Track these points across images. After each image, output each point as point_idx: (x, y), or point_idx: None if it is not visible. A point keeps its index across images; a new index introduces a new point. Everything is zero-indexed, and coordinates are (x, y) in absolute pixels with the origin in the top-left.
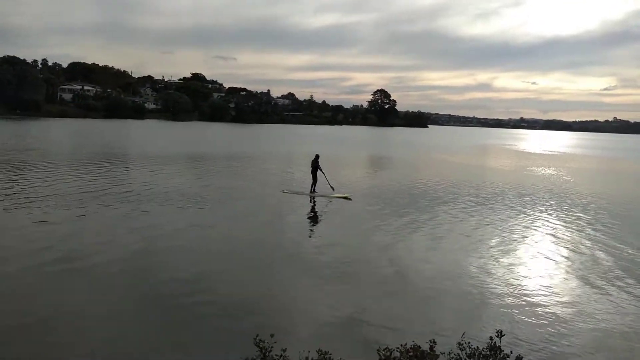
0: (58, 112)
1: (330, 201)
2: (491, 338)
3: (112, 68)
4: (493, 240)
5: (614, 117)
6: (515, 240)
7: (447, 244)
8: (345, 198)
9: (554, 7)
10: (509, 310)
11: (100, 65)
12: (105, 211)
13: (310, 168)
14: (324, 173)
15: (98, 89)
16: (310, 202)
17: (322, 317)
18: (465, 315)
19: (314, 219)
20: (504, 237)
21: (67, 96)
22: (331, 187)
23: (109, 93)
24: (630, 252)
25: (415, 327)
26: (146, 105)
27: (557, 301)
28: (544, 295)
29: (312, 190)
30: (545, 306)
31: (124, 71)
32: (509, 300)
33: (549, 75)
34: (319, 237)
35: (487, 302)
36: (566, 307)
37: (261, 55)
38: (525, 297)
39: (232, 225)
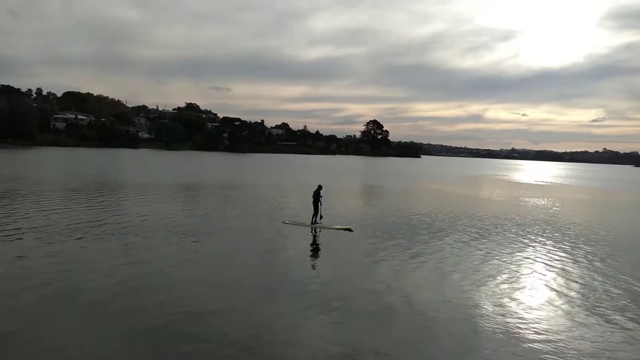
0: (51, 140)
1: (329, 232)
2: None
3: (107, 98)
4: (492, 272)
5: (604, 148)
6: (513, 271)
7: (447, 276)
8: (346, 229)
9: (542, 40)
10: (508, 346)
11: (95, 94)
12: (99, 243)
13: (312, 199)
14: (321, 204)
15: (92, 118)
16: (312, 233)
17: (319, 352)
18: (461, 349)
19: (315, 251)
20: (502, 268)
21: (61, 125)
22: (320, 216)
23: (102, 122)
24: (630, 281)
25: None
26: (140, 134)
27: (557, 334)
28: (542, 328)
29: (314, 221)
30: (543, 339)
31: (118, 100)
32: (508, 335)
33: (539, 107)
34: (320, 270)
35: (485, 335)
36: (564, 340)
37: (255, 86)
38: (523, 331)
39: (231, 258)
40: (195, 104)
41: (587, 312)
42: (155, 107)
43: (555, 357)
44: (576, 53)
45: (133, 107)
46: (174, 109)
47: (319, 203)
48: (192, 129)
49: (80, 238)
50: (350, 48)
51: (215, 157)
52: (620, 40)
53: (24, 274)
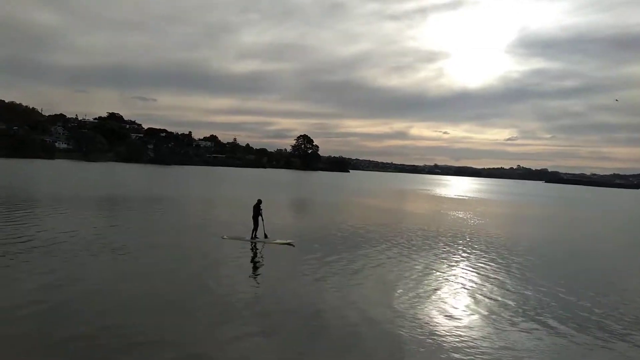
0: None
1: (270, 247)
2: None
3: (20, 105)
4: (426, 284)
5: (518, 165)
6: (445, 282)
7: (379, 290)
8: (287, 244)
9: (463, 63)
10: (433, 353)
11: (6, 101)
12: (14, 263)
13: (252, 213)
14: (263, 220)
15: (2, 127)
16: (252, 248)
17: None
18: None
19: (256, 267)
20: (436, 279)
21: None
22: (265, 234)
23: (15, 131)
24: (541, 288)
25: None
26: (57, 144)
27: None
28: (471, 337)
29: (254, 236)
30: (472, 347)
31: (33, 108)
32: (438, 345)
33: (459, 126)
34: (261, 287)
35: (408, 346)
36: (479, 344)
37: (182, 97)
38: (448, 340)
39: (169, 277)
40: (118, 113)
41: (516, 319)
42: (74, 117)
43: None
44: (491, 76)
45: (50, 115)
46: (95, 119)
47: (260, 218)
48: (115, 140)
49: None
50: (279, 63)
51: (140, 169)
52: (528, 66)
53: None
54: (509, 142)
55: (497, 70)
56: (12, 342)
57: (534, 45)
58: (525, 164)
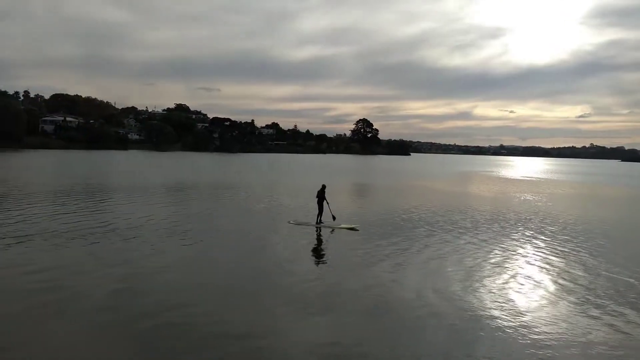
0: (39, 143)
1: (334, 232)
2: None
3: (95, 99)
4: (492, 269)
5: (591, 144)
6: (512, 267)
7: (446, 272)
8: (351, 229)
9: (529, 38)
10: (504, 341)
11: (83, 97)
12: (94, 247)
13: (317, 198)
14: (328, 204)
15: (81, 120)
16: (316, 233)
17: (315, 351)
18: (457, 346)
19: (320, 250)
20: (502, 264)
21: (49, 127)
22: (333, 217)
23: (91, 124)
24: (620, 276)
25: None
26: (129, 135)
27: (554, 328)
28: (540, 322)
29: (319, 221)
30: (539, 333)
31: (107, 102)
32: (506, 331)
33: (526, 104)
34: (324, 270)
35: (480, 332)
36: (560, 334)
37: (245, 86)
38: (522, 327)
39: (230, 259)
40: (184, 104)
41: (582, 306)
42: (144, 109)
43: (549, 351)
44: (562, 50)
45: (122, 108)
46: (164, 110)
47: (325, 202)
48: (182, 130)
49: (77, 241)
50: (338, 47)
51: (206, 157)
52: (604, 37)
53: (20, 280)
54: (581, 119)
55: (567, 44)
56: (89, 315)
57: (610, 14)
58: (599, 142)
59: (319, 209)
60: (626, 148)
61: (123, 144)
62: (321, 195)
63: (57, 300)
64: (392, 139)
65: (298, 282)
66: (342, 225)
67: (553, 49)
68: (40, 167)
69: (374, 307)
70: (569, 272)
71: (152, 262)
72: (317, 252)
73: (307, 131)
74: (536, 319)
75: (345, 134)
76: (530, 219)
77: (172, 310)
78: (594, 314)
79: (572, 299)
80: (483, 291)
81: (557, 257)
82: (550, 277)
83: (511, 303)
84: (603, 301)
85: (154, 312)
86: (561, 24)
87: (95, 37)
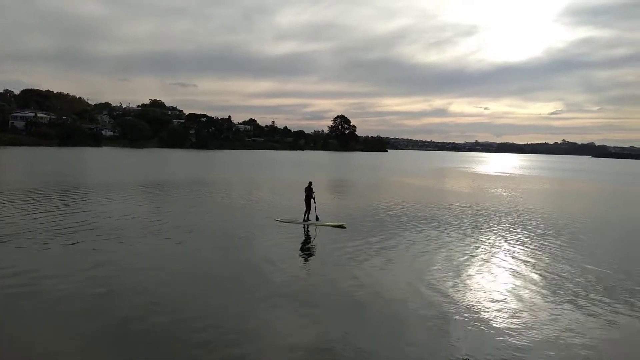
0: (9, 140)
1: (321, 229)
2: None
3: (68, 95)
4: (476, 263)
5: (563, 140)
6: (487, 261)
7: (433, 268)
8: (338, 226)
9: (504, 35)
10: (481, 333)
11: (55, 92)
12: (71, 247)
13: (305, 195)
14: (314, 202)
15: (52, 116)
16: (304, 230)
17: (299, 345)
18: (438, 342)
19: (308, 249)
20: (487, 260)
21: (20, 124)
22: (316, 217)
23: (64, 120)
24: (591, 267)
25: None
26: (103, 132)
27: (526, 319)
28: (515, 315)
29: (306, 218)
30: (511, 324)
31: (80, 98)
32: (480, 322)
33: (500, 101)
34: (310, 268)
35: (461, 328)
36: (535, 326)
37: (221, 82)
38: (497, 319)
39: (222, 258)
40: (160, 100)
41: (560, 299)
42: (119, 105)
43: (531, 346)
44: (535, 48)
45: (96, 104)
46: (139, 106)
47: (312, 200)
48: (158, 126)
49: (55, 241)
50: (317, 43)
51: (183, 154)
52: (576, 35)
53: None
54: (553, 116)
55: (541, 41)
56: (71, 309)
57: (583, 12)
58: (571, 138)
59: (306, 206)
60: (596, 144)
61: (97, 140)
62: (309, 193)
63: (36, 304)
64: (370, 135)
65: (287, 279)
66: (329, 223)
67: (527, 47)
68: (12, 164)
69: (362, 302)
70: (552, 265)
71: (134, 262)
72: (306, 250)
73: (285, 127)
74: (523, 314)
75: (323, 131)
76: (510, 213)
77: (158, 313)
78: (581, 305)
79: (557, 291)
80: (470, 286)
81: (539, 251)
82: (534, 270)
83: (497, 297)
84: (591, 295)
85: (137, 316)
86: (535, 21)
87: (68, 31)
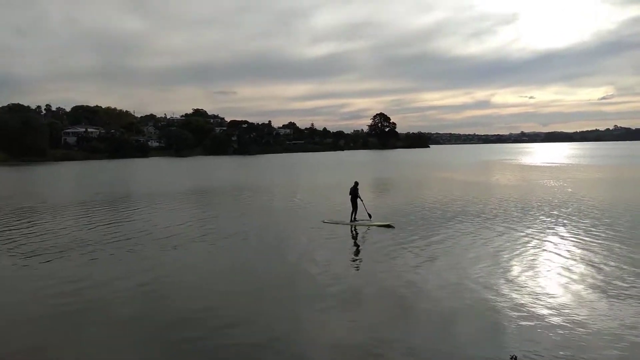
0: (62, 155)
1: (369, 229)
2: None
3: (115, 109)
4: (529, 262)
5: (615, 125)
6: (537, 255)
7: (488, 269)
8: (387, 226)
9: (546, 21)
10: (533, 330)
11: (103, 107)
12: (131, 254)
13: (350, 196)
14: (362, 201)
15: (102, 130)
16: (352, 231)
17: (343, 349)
18: (489, 339)
19: (356, 249)
20: (536, 256)
21: (72, 139)
22: (369, 214)
23: (112, 133)
24: None
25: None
26: (149, 143)
27: (582, 317)
28: (569, 312)
29: (353, 219)
30: (569, 322)
31: (127, 111)
32: (534, 319)
33: (545, 89)
34: (359, 268)
35: (508, 321)
36: (589, 319)
37: (260, 87)
38: (550, 316)
39: (264, 261)
40: (202, 109)
41: (609, 295)
42: (163, 115)
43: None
44: (581, 31)
45: (141, 116)
46: (182, 116)
47: (360, 199)
48: (201, 135)
49: (109, 251)
50: (353, 42)
51: (226, 160)
52: (626, 14)
53: (48, 288)
54: (603, 101)
55: (587, 23)
56: (125, 319)
57: None
58: (624, 123)
59: (353, 206)
60: None
61: (144, 151)
62: (354, 193)
63: (88, 309)
64: (410, 132)
65: (336, 281)
66: (377, 223)
67: (571, 30)
68: (66, 178)
69: (411, 301)
70: (607, 259)
71: (186, 269)
72: (355, 251)
73: (324, 129)
74: (577, 310)
75: (362, 130)
76: (559, 205)
77: (198, 312)
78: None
79: (612, 286)
80: (520, 282)
81: (593, 244)
82: (587, 264)
83: (548, 293)
84: None
85: (182, 323)
86: (580, 3)
87: (111, 47)
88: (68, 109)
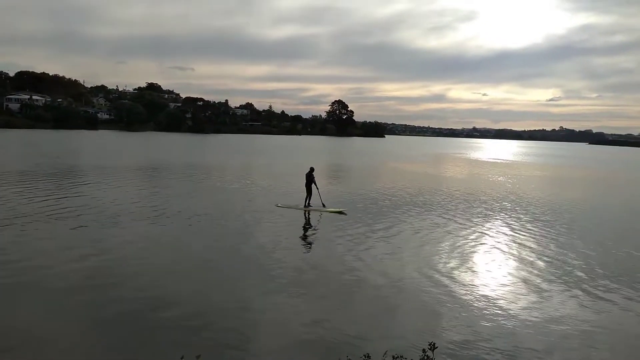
0: (3, 122)
1: (322, 215)
2: (424, 351)
3: (63, 78)
4: (475, 251)
5: (560, 127)
6: (486, 244)
7: (434, 254)
8: (339, 212)
9: (503, 21)
10: (470, 317)
11: (51, 74)
12: (69, 229)
13: (305, 181)
14: (317, 188)
15: (47, 99)
16: (305, 216)
17: (294, 331)
18: (426, 326)
19: (307, 234)
20: (480, 245)
21: (14, 106)
22: (322, 203)
23: (59, 103)
24: (581, 252)
25: (378, 337)
26: (99, 115)
27: (514, 306)
28: (502, 299)
29: (307, 204)
30: (500, 311)
31: (76, 81)
32: (470, 307)
33: (498, 87)
34: (309, 253)
35: (445, 309)
36: (522, 310)
37: (219, 65)
38: (484, 304)
39: (211, 242)
40: (156, 84)
41: (552, 284)
42: (115, 88)
43: (523, 329)
44: (535, 34)
45: (91, 87)
46: (135, 89)
47: (314, 186)
48: (154, 110)
49: (50, 225)
50: (315, 27)
51: (179, 137)
52: (576, 21)
53: None
54: (551, 102)
55: (541, 27)
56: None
57: None
58: (569, 125)
59: (307, 192)
60: (594, 131)
61: (92, 123)
62: (309, 178)
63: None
64: (367, 120)
65: (288, 265)
66: (330, 209)
67: (526, 33)
68: (5, 145)
69: (359, 288)
70: (553, 250)
71: (130, 249)
72: (307, 236)
73: (282, 112)
74: (510, 306)
75: (320, 116)
76: (508, 199)
77: (134, 291)
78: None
79: (548, 277)
80: (468, 270)
81: (541, 236)
82: (536, 255)
83: (481, 287)
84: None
85: (125, 299)
86: (535, 7)
87: (63, 12)
88: (11, 74)
